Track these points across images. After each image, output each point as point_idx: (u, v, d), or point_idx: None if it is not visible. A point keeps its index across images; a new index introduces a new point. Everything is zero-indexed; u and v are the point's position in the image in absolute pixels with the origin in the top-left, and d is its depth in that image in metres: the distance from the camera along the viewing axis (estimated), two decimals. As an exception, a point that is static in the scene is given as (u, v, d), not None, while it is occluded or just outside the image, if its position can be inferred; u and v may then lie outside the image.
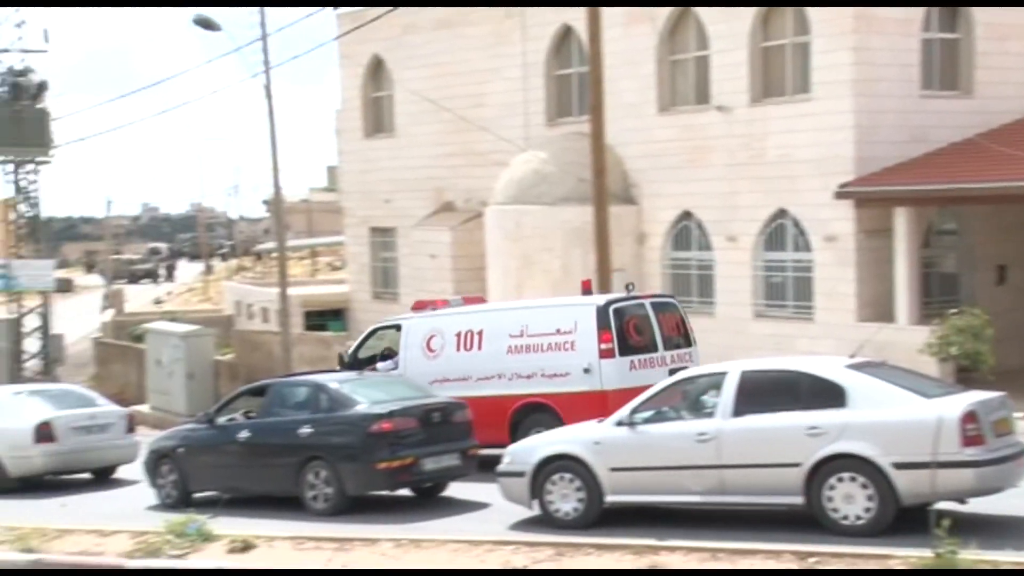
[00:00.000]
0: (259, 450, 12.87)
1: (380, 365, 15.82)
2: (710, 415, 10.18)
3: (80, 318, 43.91)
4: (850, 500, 9.43)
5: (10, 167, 27.44)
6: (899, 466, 9.23)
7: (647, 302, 14.64)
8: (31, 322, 28.61)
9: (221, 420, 13.55)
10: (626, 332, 13.94)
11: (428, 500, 12.98)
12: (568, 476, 10.65)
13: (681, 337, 14.69)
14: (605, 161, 17.44)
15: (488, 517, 11.70)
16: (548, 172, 24.22)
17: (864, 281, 20.38)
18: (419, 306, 16.16)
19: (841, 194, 20.16)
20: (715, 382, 10.31)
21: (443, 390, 14.07)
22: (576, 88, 25.67)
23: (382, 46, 29.89)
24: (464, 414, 12.90)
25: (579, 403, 13.24)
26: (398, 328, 15.76)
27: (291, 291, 25.95)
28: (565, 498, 10.67)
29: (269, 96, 23.64)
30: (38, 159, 27.41)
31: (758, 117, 21.85)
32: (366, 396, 12.61)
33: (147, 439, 15.80)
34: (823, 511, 9.55)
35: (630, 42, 23.56)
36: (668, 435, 10.33)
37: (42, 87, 27.10)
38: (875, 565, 8.50)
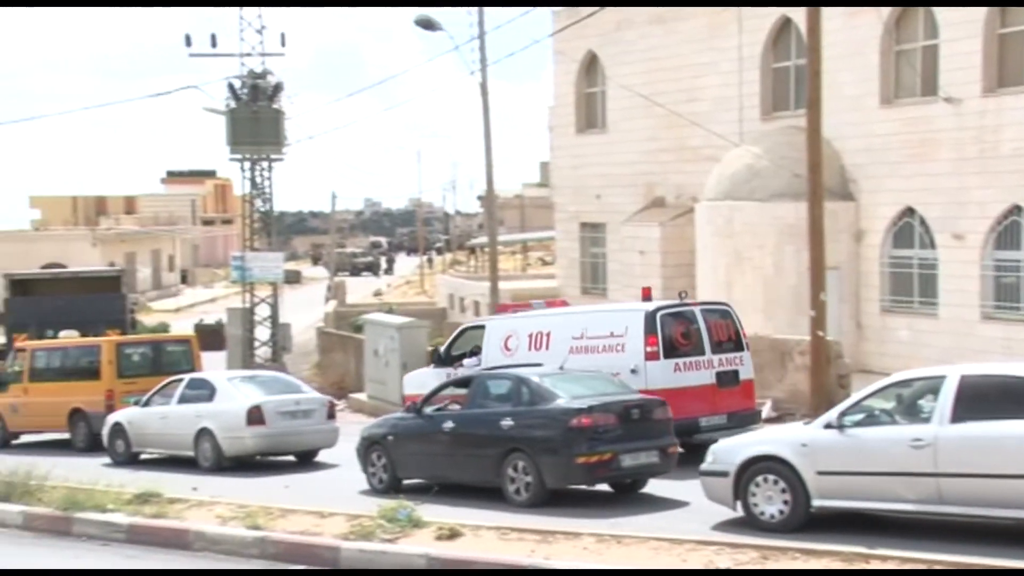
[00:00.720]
0: (462, 440, 13.10)
1: (467, 362, 17.02)
2: (926, 420, 9.70)
3: (306, 308, 46.09)
4: None
5: (247, 165, 29.01)
6: None
7: (697, 309, 15.36)
8: (262, 311, 30.18)
9: (428, 410, 13.81)
10: (672, 336, 14.78)
11: (626, 496, 12.91)
12: (773, 478, 10.37)
13: (732, 342, 15.31)
14: (822, 156, 16.88)
15: (686, 516, 11.54)
16: (761, 167, 23.68)
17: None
18: (502, 309, 17.49)
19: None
20: (932, 386, 9.83)
21: None
22: (793, 81, 25.00)
23: (596, 42, 29.99)
24: (664, 411, 12.85)
25: None
26: (483, 328, 17.01)
27: (502, 285, 26.42)
28: (769, 500, 10.39)
29: (485, 93, 24.12)
30: (272, 157, 28.86)
31: (991, 108, 20.65)
32: (567, 390, 12.71)
33: (359, 426, 16.42)
34: None
35: (852, 33, 22.73)
36: (880, 440, 9.90)
37: (278, 88, 28.52)
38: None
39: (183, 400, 17.78)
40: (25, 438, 21.93)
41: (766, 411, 18.67)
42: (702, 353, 14.92)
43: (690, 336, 14.91)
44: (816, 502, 10.20)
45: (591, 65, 30.97)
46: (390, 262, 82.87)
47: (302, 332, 37.85)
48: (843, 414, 10.24)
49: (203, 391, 17.65)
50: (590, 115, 31.44)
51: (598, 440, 12.13)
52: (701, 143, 26.74)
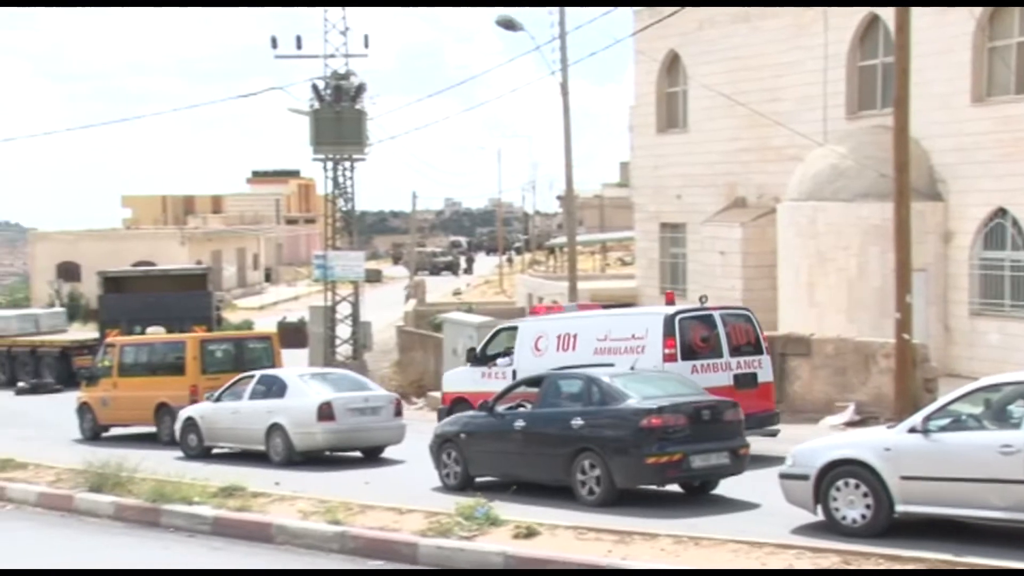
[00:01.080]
0: (533, 439, 13.16)
1: (499, 361, 17.71)
2: (1016, 426, 9.50)
3: (386, 307, 46.54)
4: None
5: (330, 165, 29.37)
6: None
7: (717, 313, 15.85)
8: (343, 310, 30.56)
9: (500, 409, 13.89)
10: (691, 340, 15.29)
11: (697, 497, 12.85)
12: (855, 482, 10.22)
13: (751, 345, 15.77)
14: (909, 155, 16.55)
15: (759, 518, 11.42)
16: (846, 167, 23.29)
17: None
18: (535, 311, 18.27)
19: None
20: (1021, 391, 9.67)
21: None
22: (880, 79, 24.54)
23: (678, 41, 29.79)
24: (735, 413, 12.83)
25: None
26: (515, 329, 17.81)
27: (581, 285, 26.38)
28: (851, 505, 10.24)
29: (565, 93, 24.11)
30: (355, 157, 29.19)
31: (1087, 106, 20.03)
32: (637, 391, 12.70)
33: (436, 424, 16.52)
34: None
35: (942, 30, 22.23)
36: (967, 445, 9.71)
37: (361, 89, 28.82)
38: None
39: (254, 396, 18.13)
40: (114, 431, 22.50)
41: (848, 415, 18.38)
42: (720, 356, 15.39)
43: (708, 340, 15.39)
44: (900, 507, 10.03)
45: (672, 64, 30.76)
46: (469, 261, 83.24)
47: (382, 330, 38.22)
48: (928, 418, 10.07)
49: (274, 387, 18.00)
50: (671, 115, 31.24)
51: (668, 441, 12.14)
52: (784, 143, 26.39)
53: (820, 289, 23.35)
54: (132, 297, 31.52)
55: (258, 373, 18.92)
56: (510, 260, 74.16)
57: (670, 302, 16.80)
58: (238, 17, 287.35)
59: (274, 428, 17.50)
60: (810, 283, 23.61)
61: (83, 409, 22.64)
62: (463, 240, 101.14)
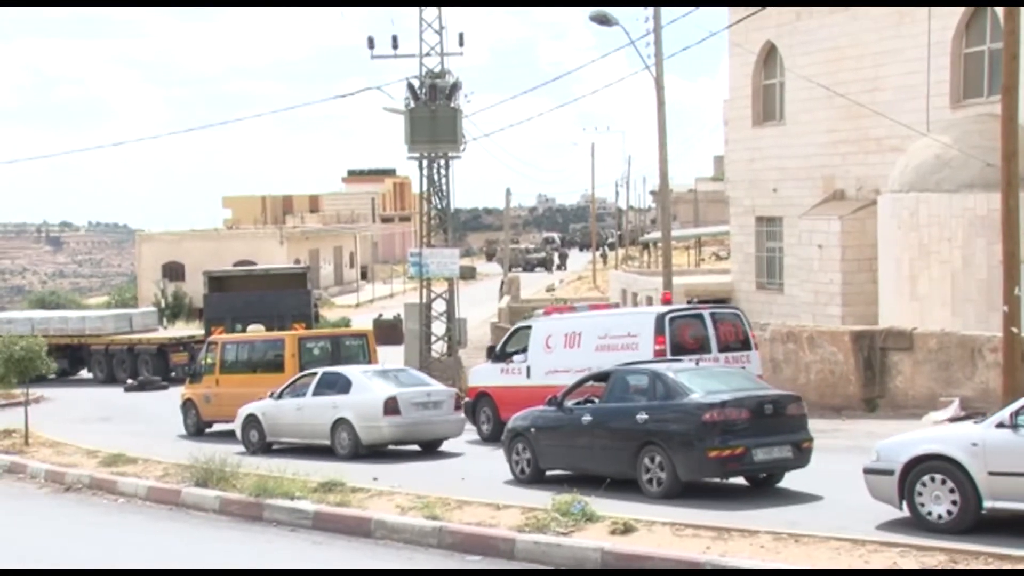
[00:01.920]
0: (600, 433, 13.44)
1: (516, 358, 19.22)
2: None
3: (481, 304, 46.81)
4: None
5: (425, 163, 29.61)
6: None
7: (706, 312, 17.36)
8: (438, 307, 30.79)
9: (568, 403, 14.15)
10: (680, 337, 16.79)
11: (762, 490, 12.93)
12: (941, 478, 10.11)
13: (740, 342, 17.29)
14: (1018, 143, 16.03)
15: (819, 511, 11.56)
16: (950, 157, 22.67)
17: None
18: (549, 311, 20.01)
19: None
20: None
21: (554, 379, 17.37)
22: (986, 66, 23.82)
23: (774, 32, 29.35)
24: (798, 407, 13.01)
25: None
26: (530, 328, 19.36)
27: (675, 280, 26.15)
28: (937, 500, 10.14)
29: (660, 88, 23.91)
30: (450, 155, 29.37)
31: None
32: (701, 386, 12.91)
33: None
34: None
35: (1049, 13, 21.45)
36: None
37: (455, 87, 28.94)
38: None
39: (318, 392, 18.58)
40: (216, 427, 23.07)
41: (953, 410, 17.92)
42: (709, 351, 16.75)
43: (697, 337, 16.86)
44: (987, 503, 9.89)
45: (769, 56, 30.30)
46: (563, 258, 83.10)
47: (477, 327, 38.46)
48: (1017, 413, 9.91)
49: (339, 384, 18.46)
50: (767, 107, 30.78)
51: (730, 434, 12.33)
52: (884, 133, 25.80)
53: (922, 282, 22.79)
54: (236, 296, 32.34)
55: (320, 370, 19.37)
56: (604, 256, 73.87)
57: (666, 302, 18.18)
58: (332, 19, 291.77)
59: (340, 422, 17.98)
60: (912, 276, 23.06)
61: (187, 405, 23.24)
62: (556, 236, 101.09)
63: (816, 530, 10.18)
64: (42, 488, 16.73)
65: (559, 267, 79.41)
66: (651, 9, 23.97)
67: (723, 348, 16.95)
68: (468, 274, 60.42)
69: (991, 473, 9.84)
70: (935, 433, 10.90)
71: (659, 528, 10.68)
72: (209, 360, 23.36)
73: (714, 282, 34.80)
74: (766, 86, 30.75)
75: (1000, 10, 16.73)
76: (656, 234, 54.69)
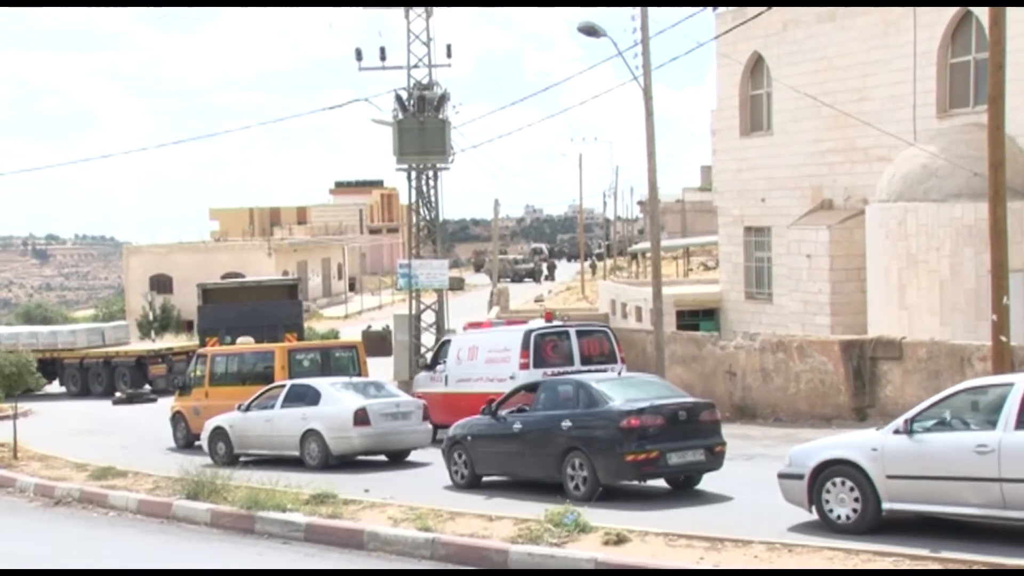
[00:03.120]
0: (529, 440, 14.26)
1: (438, 367, 21.11)
2: (992, 426, 9.85)
3: (470, 314, 46.61)
4: None
5: (413, 174, 29.59)
6: None
7: (572, 330, 19.69)
8: (427, 318, 30.77)
9: (502, 413, 14.93)
10: (543, 352, 18.98)
11: (683, 491, 13.75)
12: (844, 481, 10.67)
13: (604, 356, 19.35)
14: (1004, 152, 16.12)
15: (740, 511, 12.22)
16: (937, 166, 22.79)
17: None
18: (467, 326, 22.51)
19: None
20: (1001, 393, 9.99)
21: (462, 386, 19.81)
22: (972, 76, 23.98)
23: (762, 43, 29.48)
24: (711, 413, 13.89)
25: None
26: (450, 342, 21.55)
27: (664, 290, 26.18)
28: (841, 503, 10.72)
29: (648, 98, 23.94)
30: (439, 166, 29.37)
31: None
32: (621, 394, 13.72)
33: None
34: None
35: (1034, 23, 21.61)
36: (946, 445, 10.13)
37: (444, 98, 28.95)
38: None
39: (287, 404, 18.72)
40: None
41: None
42: (571, 364, 18.83)
43: (559, 351, 19.08)
44: (886, 505, 10.44)
45: (756, 67, 30.43)
46: (551, 268, 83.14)
47: (466, 338, 38.26)
48: (912, 420, 10.45)
49: (308, 395, 18.61)
50: (755, 117, 30.90)
51: (646, 439, 13.15)
52: (871, 143, 25.93)
53: (911, 291, 22.89)
54: (229, 307, 32.39)
55: (289, 383, 19.55)
56: (592, 266, 73.93)
57: (548, 321, 20.13)
58: (320, 30, 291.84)
59: (309, 433, 18.19)
60: (900, 285, 23.15)
61: (176, 418, 23.11)
62: (544, 247, 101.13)
63: (809, 540, 10.23)
64: (32, 502, 16.65)
65: (547, 278, 79.45)
66: (638, 20, 24.04)
67: (585, 361, 18.98)
68: (457, 285, 60.29)
69: (889, 476, 10.39)
70: (841, 439, 11.49)
71: (652, 538, 10.69)
72: (198, 372, 23.27)
73: (703, 292, 34.88)
74: (753, 96, 30.88)
75: (986, 20, 16.83)
76: (644, 244, 54.79)
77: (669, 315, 29.26)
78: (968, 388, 10.64)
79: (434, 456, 18.56)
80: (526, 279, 78.50)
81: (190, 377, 23.65)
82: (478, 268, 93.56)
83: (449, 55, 28.82)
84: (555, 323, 20.19)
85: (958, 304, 22.08)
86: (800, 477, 11.02)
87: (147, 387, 34.52)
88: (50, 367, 35.46)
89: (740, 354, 22.01)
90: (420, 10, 28.66)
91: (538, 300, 56.55)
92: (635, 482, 13.72)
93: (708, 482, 13.92)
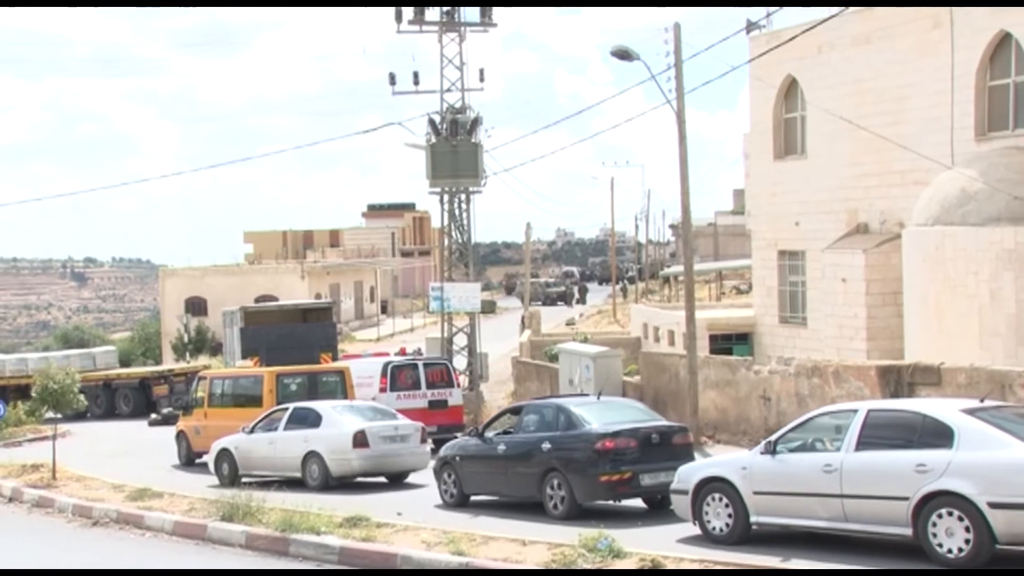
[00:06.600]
0: (512, 461, 14.94)
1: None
2: (837, 448, 11.03)
3: (502, 338, 46.68)
4: (951, 534, 10.00)
5: (446, 197, 29.69)
6: (995, 506, 9.69)
7: (420, 362, 25.38)
8: (459, 340, 30.80)
9: (489, 434, 15.62)
10: (398, 379, 24.18)
11: (656, 511, 14.24)
12: (719, 496, 11.81)
13: (444, 382, 24.85)
14: (1043, 177, 15.97)
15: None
16: (976, 190, 22.57)
17: None
18: (346, 358, 27.53)
19: None
20: (848, 418, 11.16)
21: (395, 404, 22.54)
22: (1011, 99, 23.76)
23: (796, 66, 29.37)
24: (683, 436, 14.59)
25: None
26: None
27: (697, 314, 26.04)
28: (718, 516, 11.89)
29: (681, 121, 23.93)
30: (471, 189, 29.45)
31: None
32: (598, 417, 14.38)
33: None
34: (928, 543, 10.13)
35: (1075, 46, 21.43)
36: (800, 464, 11.32)
37: (476, 122, 29.11)
38: None
39: (290, 427, 19.12)
40: (207, 457, 23.25)
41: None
42: (419, 388, 24.23)
43: (409, 378, 24.27)
44: (754, 518, 11.62)
45: (790, 90, 30.32)
46: (582, 291, 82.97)
47: (498, 361, 38.36)
48: (776, 441, 11.63)
49: (309, 418, 19.03)
50: (789, 141, 30.76)
51: (620, 461, 13.85)
52: (908, 167, 25.72)
53: (949, 316, 22.63)
54: (270, 328, 33.66)
55: (292, 406, 19.92)
56: (623, 290, 73.70)
57: (403, 355, 25.89)
58: (353, 55, 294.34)
59: (311, 455, 18.58)
60: (938, 310, 22.90)
61: (180, 437, 24.09)
62: (575, 270, 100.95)
63: (842, 566, 10.17)
64: (71, 523, 16.78)
65: (579, 301, 79.23)
66: (671, 44, 24.01)
67: (430, 386, 24.34)
68: (489, 308, 60.28)
69: (755, 492, 11.58)
70: (720, 458, 12.70)
71: (687, 565, 10.58)
72: (199, 394, 24.09)
73: (736, 316, 34.66)
74: (787, 119, 30.74)
75: (1025, 43, 16.70)
76: (676, 268, 54.56)
77: (702, 339, 29.10)
78: (825, 412, 11.94)
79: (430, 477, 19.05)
80: (558, 302, 78.29)
81: (192, 398, 24.38)
82: (509, 291, 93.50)
83: (482, 79, 29.00)
84: (408, 356, 27.09)
85: (997, 329, 21.80)
86: (686, 492, 12.17)
87: (167, 409, 35.00)
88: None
89: (775, 379, 21.82)
90: (453, 35, 28.84)
91: (569, 323, 56.39)
92: (610, 501, 14.34)
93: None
